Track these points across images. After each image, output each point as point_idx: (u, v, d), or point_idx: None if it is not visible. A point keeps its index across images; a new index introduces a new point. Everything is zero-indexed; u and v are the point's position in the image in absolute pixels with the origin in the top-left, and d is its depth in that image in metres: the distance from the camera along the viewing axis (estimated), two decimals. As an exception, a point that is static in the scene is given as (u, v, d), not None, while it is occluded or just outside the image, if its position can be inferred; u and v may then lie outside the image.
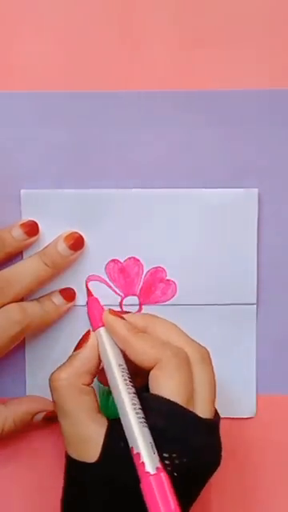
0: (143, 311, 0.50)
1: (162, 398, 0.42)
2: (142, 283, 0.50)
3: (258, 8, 0.49)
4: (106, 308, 0.47)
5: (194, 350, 0.44)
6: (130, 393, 0.42)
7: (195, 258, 0.50)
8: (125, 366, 0.44)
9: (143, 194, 0.49)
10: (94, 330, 0.46)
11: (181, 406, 0.42)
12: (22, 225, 0.48)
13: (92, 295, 0.49)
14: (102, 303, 0.49)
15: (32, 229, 0.48)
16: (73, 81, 0.49)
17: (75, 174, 0.49)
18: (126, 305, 0.50)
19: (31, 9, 0.49)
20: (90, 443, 0.42)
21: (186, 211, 0.49)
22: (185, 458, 0.41)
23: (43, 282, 0.48)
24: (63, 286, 0.49)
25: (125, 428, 0.41)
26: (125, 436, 0.41)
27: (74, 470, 0.43)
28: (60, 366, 0.44)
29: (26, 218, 0.49)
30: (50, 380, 0.44)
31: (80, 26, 0.49)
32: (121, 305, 0.50)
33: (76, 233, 0.49)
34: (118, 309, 0.50)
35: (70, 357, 0.45)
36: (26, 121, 0.49)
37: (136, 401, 0.42)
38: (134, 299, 0.50)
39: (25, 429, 0.49)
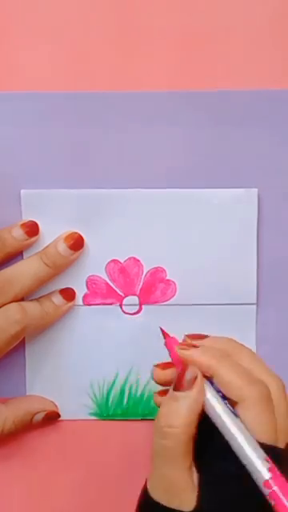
0: (143, 311, 0.50)
1: (265, 444, 0.39)
2: (142, 283, 0.50)
3: (258, 8, 0.49)
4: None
5: (273, 382, 0.41)
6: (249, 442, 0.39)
7: (195, 258, 0.50)
8: (233, 418, 0.39)
9: (143, 194, 0.49)
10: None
11: (269, 445, 0.39)
12: (23, 225, 0.48)
13: (168, 336, 0.43)
14: (101, 303, 0.49)
15: (32, 229, 0.48)
16: (73, 81, 0.49)
17: (75, 174, 0.49)
18: (126, 305, 0.50)
19: (31, 9, 0.49)
20: (187, 492, 0.39)
21: (186, 211, 0.49)
22: None
23: (43, 282, 0.48)
24: (63, 286, 0.49)
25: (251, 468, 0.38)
26: (219, 483, 0.39)
27: None
28: (168, 408, 0.40)
29: (26, 218, 0.49)
30: (163, 425, 0.39)
31: (80, 26, 0.49)
32: (121, 305, 0.50)
33: (76, 233, 0.49)
34: (118, 309, 0.50)
35: (176, 396, 0.40)
36: (26, 121, 0.49)
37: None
38: (134, 299, 0.50)
39: (25, 429, 0.49)
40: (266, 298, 0.50)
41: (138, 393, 0.50)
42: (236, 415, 0.39)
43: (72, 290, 0.49)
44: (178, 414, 0.39)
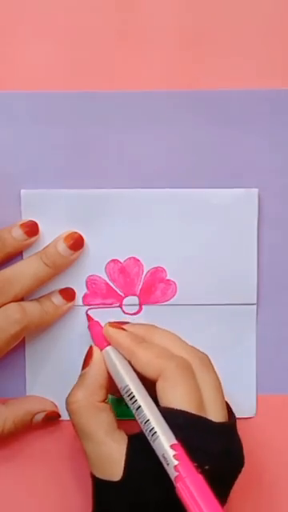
0: (143, 311, 0.50)
1: (175, 409, 0.41)
2: (142, 283, 0.50)
3: (258, 7, 0.49)
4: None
5: (195, 357, 0.44)
6: (147, 400, 0.42)
7: (195, 258, 0.50)
8: (137, 380, 0.44)
9: (143, 194, 0.49)
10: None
11: (194, 415, 0.41)
12: (22, 225, 0.48)
13: (92, 320, 0.49)
14: (101, 303, 0.49)
15: (32, 229, 0.48)
16: (73, 81, 0.49)
17: (75, 174, 0.49)
18: (126, 305, 0.50)
19: (31, 9, 0.49)
20: (112, 462, 0.42)
21: (186, 211, 0.49)
22: (206, 466, 0.40)
23: (43, 282, 0.48)
24: (63, 286, 0.49)
25: (150, 435, 0.41)
26: (146, 450, 0.41)
27: (100, 489, 0.43)
28: (73, 388, 0.44)
29: (26, 218, 0.49)
30: (66, 404, 0.44)
31: (80, 25, 0.49)
32: (121, 305, 0.50)
33: (76, 233, 0.48)
34: (118, 309, 0.50)
35: (79, 376, 0.45)
36: (26, 121, 0.49)
37: (155, 409, 0.42)
38: (134, 299, 0.50)
39: (25, 429, 0.49)
40: (266, 298, 0.50)
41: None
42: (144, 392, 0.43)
43: (72, 289, 0.49)
44: (76, 390, 0.44)
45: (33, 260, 0.47)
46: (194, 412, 0.42)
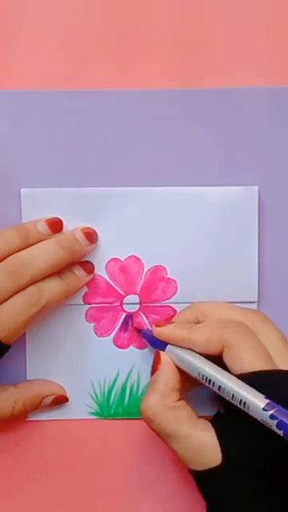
0: (144, 310, 0.50)
1: (249, 373, 0.42)
2: (142, 282, 0.50)
3: (258, 6, 0.49)
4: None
5: (249, 315, 0.45)
6: (224, 376, 0.42)
7: (196, 257, 0.50)
8: (208, 362, 0.43)
9: (143, 193, 0.49)
10: None
11: (268, 370, 0.42)
12: (48, 220, 0.48)
13: (142, 330, 0.49)
14: (101, 301, 0.49)
15: (57, 225, 0.48)
16: (72, 79, 0.49)
17: (75, 173, 0.49)
18: (126, 303, 0.50)
19: (32, 8, 0.49)
20: (207, 450, 0.42)
21: (187, 209, 0.49)
22: None
23: (59, 266, 0.47)
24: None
25: (241, 406, 0.41)
26: (235, 426, 0.41)
27: (206, 481, 0.42)
28: (145, 396, 0.44)
29: (26, 216, 0.49)
30: (141, 413, 0.44)
31: (80, 24, 0.49)
32: (121, 303, 0.50)
33: (90, 228, 0.49)
34: (119, 307, 0.50)
35: (150, 383, 0.45)
36: (26, 119, 0.49)
37: (236, 380, 0.42)
38: (135, 298, 0.50)
39: (33, 411, 0.49)
40: (267, 296, 0.50)
41: (139, 392, 0.50)
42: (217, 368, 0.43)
43: (91, 263, 0.49)
44: (149, 396, 0.44)
45: (49, 243, 0.47)
46: (265, 367, 0.42)
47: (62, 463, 0.51)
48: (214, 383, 0.42)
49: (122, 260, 0.50)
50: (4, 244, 0.46)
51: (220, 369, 0.43)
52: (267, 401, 0.40)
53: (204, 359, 0.44)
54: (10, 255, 0.46)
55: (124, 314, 0.50)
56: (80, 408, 0.50)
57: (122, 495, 0.51)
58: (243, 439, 0.41)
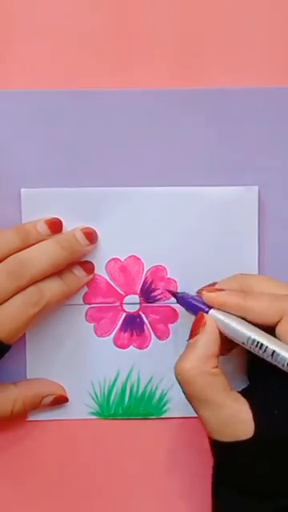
0: (144, 310, 0.50)
1: None
2: (142, 282, 0.50)
3: (257, 6, 0.49)
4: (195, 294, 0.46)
5: None
6: (277, 342, 0.42)
7: (196, 257, 0.50)
8: (257, 328, 0.43)
9: (143, 193, 0.49)
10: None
11: None
12: (47, 221, 0.48)
13: (178, 293, 0.48)
14: (101, 301, 0.49)
15: (56, 226, 0.48)
16: (72, 79, 0.49)
17: (75, 173, 0.49)
18: (126, 303, 0.50)
19: (31, 8, 0.49)
20: (239, 422, 0.41)
21: (187, 209, 0.49)
22: None
23: (59, 267, 0.47)
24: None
25: None
26: (270, 400, 0.41)
27: (229, 452, 0.42)
28: (182, 357, 0.43)
29: (27, 217, 0.49)
30: (177, 374, 0.43)
31: (80, 24, 0.49)
32: (121, 303, 0.50)
33: (90, 228, 0.49)
34: (119, 307, 0.50)
35: (188, 345, 0.43)
36: (26, 120, 0.49)
37: None
38: (135, 298, 0.50)
39: (33, 410, 0.49)
40: (267, 296, 0.50)
41: (139, 392, 0.50)
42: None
43: (91, 263, 0.49)
44: (188, 358, 0.42)
45: (49, 243, 0.47)
46: None
47: (62, 463, 0.51)
48: (266, 348, 0.42)
49: (122, 260, 0.50)
50: (4, 244, 0.46)
51: (271, 336, 0.42)
52: None
53: (253, 326, 0.43)
54: (10, 256, 0.46)
55: (124, 314, 0.50)
56: (80, 408, 0.50)
57: (122, 495, 0.51)
58: (277, 415, 0.41)
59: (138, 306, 0.50)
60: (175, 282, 0.50)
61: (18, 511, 0.51)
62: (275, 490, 0.42)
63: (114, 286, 0.50)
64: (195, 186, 0.49)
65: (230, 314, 0.43)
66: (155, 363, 0.50)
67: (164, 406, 0.50)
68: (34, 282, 0.46)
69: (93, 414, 0.50)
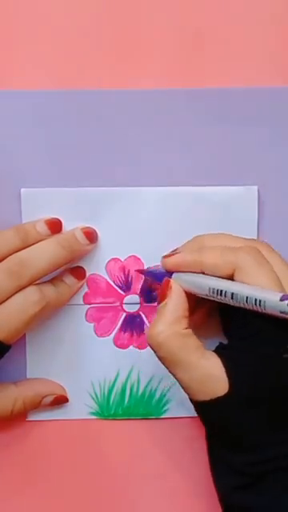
0: (144, 310, 0.50)
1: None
2: (142, 282, 0.50)
3: (258, 5, 0.49)
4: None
5: (257, 243, 0.45)
6: (234, 284, 0.42)
7: (196, 257, 0.50)
8: (215, 278, 0.43)
9: (143, 192, 0.49)
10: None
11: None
12: (47, 221, 0.48)
13: (143, 270, 0.49)
14: (101, 301, 0.50)
15: (56, 226, 0.48)
16: (72, 79, 0.49)
17: (75, 173, 0.49)
18: (126, 303, 0.50)
19: (31, 7, 0.49)
20: (214, 379, 0.41)
21: (186, 209, 0.49)
22: None
23: (59, 266, 0.47)
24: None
25: (257, 307, 0.41)
26: (242, 354, 0.42)
27: (210, 410, 0.42)
28: (153, 323, 0.44)
29: (27, 216, 0.49)
30: (149, 338, 0.43)
31: (80, 24, 0.49)
32: (121, 303, 0.50)
33: (90, 227, 0.49)
34: (119, 307, 0.50)
35: (158, 310, 0.44)
36: (26, 119, 0.49)
37: (247, 285, 0.42)
38: (135, 298, 0.50)
39: (33, 410, 0.49)
40: (267, 296, 0.50)
41: (139, 392, 0.50)
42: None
43: (81, 268, 0.49)
44: (158, 322, 0.43)
45: (49, 243, 0.47)
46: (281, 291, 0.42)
47: (62, 463, 0.51)
48: (225, 293, 0.42)
49: (122, 260, 0.50)
50: (3, 244, 0.46)
51: (229, 280, 0.43)
52: (281, 293, 0.40)
53: (211, 277, 0.43)
54: (10, 256, 0.46)
55: (124, 314, 0.50)
56: (80, 408, 0.50)
57: (122, 495, 0.51)
58: (249, 368, 0.41)
59: (137, 306, 0.50)
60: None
61: (19, 510, 0.51)
62: (266, 441, 0.42)
63: (114, 286, 0.50)
64: (195, 185, 0.49)
65: (191, 273, 0.44)
66: (155, 363, 0.49)
67: (164, 406, 0.50)
68: (34, 281, 0.46)
69: (93, 414, 0.50)
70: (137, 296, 0.50)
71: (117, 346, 0.50)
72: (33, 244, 0.47)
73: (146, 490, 0.51)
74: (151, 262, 0.50)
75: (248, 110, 0.49)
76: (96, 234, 0.49)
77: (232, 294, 0.42)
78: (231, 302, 0.42)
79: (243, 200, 0.49)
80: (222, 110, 0.49)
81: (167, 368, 0.43)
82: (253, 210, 0.49)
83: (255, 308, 0.41)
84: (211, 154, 0.49)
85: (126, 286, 0.50)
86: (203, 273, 0.44)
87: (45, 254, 0.47)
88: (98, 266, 0.50)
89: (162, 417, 0.50)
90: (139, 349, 0.50)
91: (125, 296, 0.50)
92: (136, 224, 0.49)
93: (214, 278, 0.43)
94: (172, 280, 0.45)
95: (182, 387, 0.43)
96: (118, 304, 0.50)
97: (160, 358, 0.43)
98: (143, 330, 0.50)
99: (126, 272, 0.50)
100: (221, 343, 0.44)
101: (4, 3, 0.49)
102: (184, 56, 0.49)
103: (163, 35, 0.49)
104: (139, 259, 0.50)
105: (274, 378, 0.41)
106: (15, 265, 0.46)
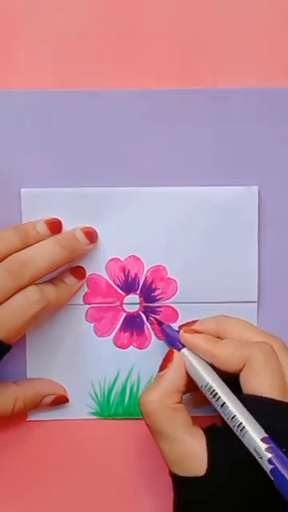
0: (144, 310, 0.50)
1: (258, 397, 0.41)
2: (142, 282, 0.50)
3: (258, 6, 0.49)
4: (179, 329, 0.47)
5: (271, 341, 0.44)
6: (230, 396, 0.42)
7: (196, 256, 0.50)
8: (218, 377, 0.43)
9: (143, 192, 0.49)
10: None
11: (277, 401, 0.41)
12: (47, 221, 0.48)
13: (163, 323, 0.48)
14: (101, 301, 0.49)
15: (56, 226, 0.48)
16: (73, 79, 0.49)
17: (75, 173, 0.49)
18: (126, 303, 0.50)
19: (31, 8, 0.49)
20: (195, 458, 0.42)
21: (187, 209, 0.49)
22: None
23: (58, 266, 0.47)
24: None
25: (238, 430, 0.41)
26: (227, 441, 0.41)
27: (184, 487, 0.42)
28: (148, 389, 0.44)
29: (27, 217, 0.49)
30: (140, 404, 0.44)
31: (80, 24, 0.49)
32: (121, 303, 0.50)
33: (90, 227, 0.49)
34: (120, 307, 0.50)
35: (156, 377, 0.45)
36: (26, 120, 0.49)
37: (240, 404, 0.42)
38: (135, 298, 0.50)
39: (33, 410, 0.49)
40: (267, 296, 0.50)
41: (140, 392, 0.50)
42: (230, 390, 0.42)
43: (82, 268, 0.49)
44: (152, 390, 0.44)
45: (49, 242, 0.47)
46: (277, 397, 0.42)
47: (62, 463, 0.51)
48: (218, 398, 0.42)
49: (122, 260, 0.50)
50: (3, 245, 0.46)
51: (227, 388, 0.43)
52: (265, 434, 0.40)
53: (215, 374, 0.43)
54: (9, 256, 0.46)
55: (124, 314, 0.50)
56: (80, 408, 0.50)
57: (122, 495, 0.51)
58: (232, 458, 0.41)
59: (137, 306, 0.50)
60: (175, 282, 0.50)
61: (18, 511, 0.51)
62: None
63: (114, 286, 0.50)
64: (195, 185, 0.49)
65: (200, 358, 0.44)
66: (155, 363, 0.49)
67: (164, 406, 0.50)
68: (34, 281, 0.46)
69: (93, 413, 0.51)
70: (137, 296, 0.50)
71: (117, 346, 0.50)
72: (33, 244, 0.47)
73: (145, 490, 0.51)
74: (151, 262, 0.50)
75: (248, 110, 0.49)
76: (96, 233, 0.49)
77: (224, 403, 0.42)
78: (219, 410, 0.42)
79: (243, 200, 0.49)
80: (222, 110, 0.49)
81: (152, 435, 0.43)
82: (253, 210, 0.49)
83: (235, 430, 0.41)
84: (212, 154, 0.49)
85: (126, 286, 0.50)
86: (213, 364, 0.44)
87: (45, 253, 0.47)
88: (98, 266, 0.50)
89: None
90: (139, 349, 0.50)
91: (125, 296, 0.50)
92: (136, 224, 0.49)
93: (216, 376, 0.43)
94: (176, 353, 0.45)
95: (163, 457, 0.43)
96: (118, 304, 0.50)
97: (147, 425, 0.44)
98: (143, 330, 0.50)
99: (126, 272, 0.50)
100: (214, 424, 0.43)
101: (4, 3, 0.49)
102: (184, 56, 0.49)
103: (163, 35, 0.49)
104: (139, 259, 0.50)
105: (254, 475, 0.40)
106: (15, 265, 0.46)
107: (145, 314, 0.50)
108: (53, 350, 0.50)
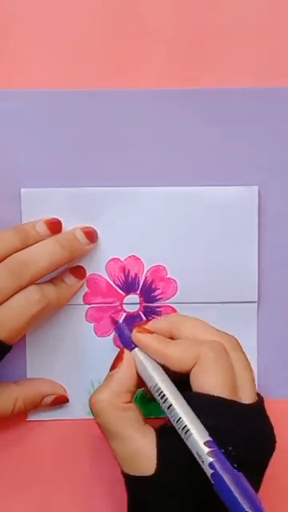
0: (144, 310, 0.50)
1: (206, 395, 0.41)
2: (142, 282, 0.50)
3: (258, 6, 0.49)
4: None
5: (225, 339, 0.44)
6: (178, 398, 0.42)
7: (196, 257, 0.50)
8: (167, 378, 0.43)
9: (143, 192, 0.49)
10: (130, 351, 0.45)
11: (225, 400, 0.41)
12: (47, 221, 0.48)
13: (118, 322, 0.49)
14: (101, 301, 0.49)
15: (56, 226, 0.48)
16: (72, 79, 0.49)
17: (75, 173, 0.49)
18: (126, 303, 0.50)
19: (31, 7, 0.49)
20: (144, 457, 0.42)
21: (187, 209, 0.49)
22: (240, 449, 0.41)
23: (58, 266, 0.47)
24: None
25: (183, 433, 0.41)
26: (176, 442, 0.41)
27: (134, 486, 0.42)
28: (98, 388, 0.44)
29: (27, 217, 0.49)
30: (90, 403, 0.44)
31: (80, 24, 0.49)
32: (121, 303, 0.50)
33: (90, 227, 0.49)
34: (120, 307, 0.50)
35: (106, 377, 0.45)
36: (26, 119, 0.49)
37: (187, 407, 0.42)
38: (135, 298, 0.50)
39: (33, 409, 0.49)
40: (267, 295, 0.50)
41: (139, 392, 0.50)
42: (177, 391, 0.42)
43: (82, 267, 0.49)
44: (102, 390, 0.43)
45: (49, 242, 0.47)
46: (226, 395, 0.42)
47: (62, 463, 0.51)
48: (166, 400, 0.42)
49: (122, 260, 0.50)
50: (3, 245, 0.46)
51: (176, 390, 0.43)
52: (209, 438, 0.40)
53: (164, 375, 0.43)
54: (10, 256, 0.46)
55: (124, 314, 0.50)
56: (80, 408, 0.50)
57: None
58: (181, 458, 0.41)
59: (137, 306, 0.50)
60: (175, 281, 0.50)
61: (18, 511, 0.51)
62: None
63: (114, 286, 0.50)
64: (195, 185, 0.49)
65: (151, 358, 0.44)
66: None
67: (164, 405, 0.50)
68: (35, 281, 0.46)
69: (92, 414, 0.50)
70: (137, 296, 0.50)
71: (117, 346, 0.50)
72: (33, 244, 0.47)
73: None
74: (151, 262, 0.50)
75: (248, 110, 0.49)
76: (96, 233, 0.49)
77: (170, 405, 0.42)
78: (166, 411, 0.42)
79: (243, 200, 0.49)
80: (221, 110, 0.49)
81: (103, 435, 0.43)
82: (253, 211, 0.49)
83: (180, 432, 0.41)
84: (211, 154, 0.49)
85: (126, 286, 0.50)
86: (164, 364, 0.44)
87: (45, 253, 0.47)
88: (98, 266, 0.50)
89: (162, 417, 0.50)
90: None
91: (125, 296, 0.50)
92: (136, 224, 0.49)
93: (166, 378, 0.43)
94: (127, 353, 0.45)
95: (115, 456, 0.43)
96: (118, 304, 0.50)
97: (97, 424, 0.44)
98: (143, 330, 0.50)
99: (126, 272, 0.50)
100: (166, 423, 0.43)
101: (4, 3, 0.49)
102: (184, 56, 0.49)
103: (163, 35, 0.49)
104: (139, 259, 0.50)
105: (200, 476, 0.40)
106: (15, 265, 0.46)
107: (145, 314, 0.50)
108: (53, 350, 0.50)
